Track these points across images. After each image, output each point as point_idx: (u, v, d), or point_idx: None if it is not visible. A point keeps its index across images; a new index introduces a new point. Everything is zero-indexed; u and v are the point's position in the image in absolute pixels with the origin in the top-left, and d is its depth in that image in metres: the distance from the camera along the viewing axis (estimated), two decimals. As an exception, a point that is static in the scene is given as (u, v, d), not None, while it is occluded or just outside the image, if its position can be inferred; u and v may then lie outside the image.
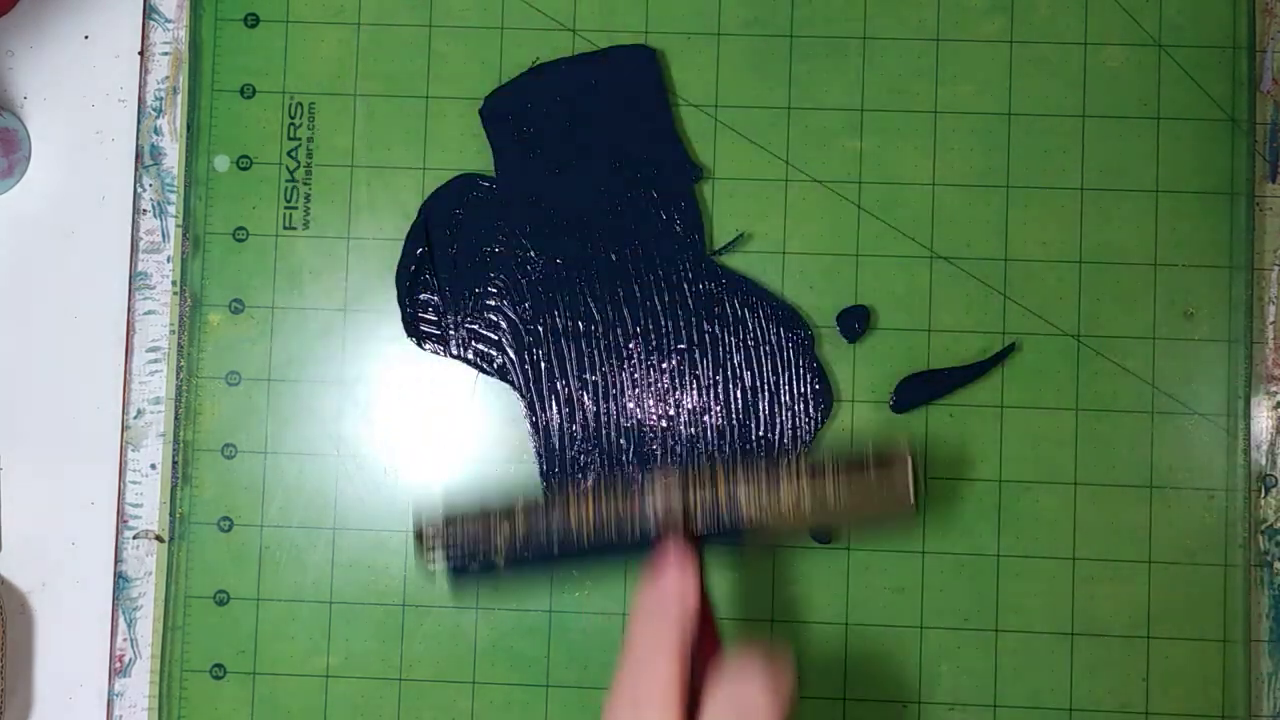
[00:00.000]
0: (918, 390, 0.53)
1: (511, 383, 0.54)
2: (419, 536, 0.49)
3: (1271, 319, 0.53)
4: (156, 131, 0.55)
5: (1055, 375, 0.53)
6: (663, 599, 0.42)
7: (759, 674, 0.40)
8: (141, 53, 0.56)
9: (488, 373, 0.54)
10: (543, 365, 0.54)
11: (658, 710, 0.40)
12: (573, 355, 0.53)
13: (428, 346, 0.54)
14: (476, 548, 0.47)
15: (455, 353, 0.54)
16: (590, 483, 0.49)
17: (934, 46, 0.54)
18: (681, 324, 0.53)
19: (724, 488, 0.47)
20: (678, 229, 0.54)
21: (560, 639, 0.53)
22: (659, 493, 0.47)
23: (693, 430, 0.53)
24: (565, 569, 0.50)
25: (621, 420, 0.53)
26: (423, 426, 0.54)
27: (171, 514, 0.54)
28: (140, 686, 0.54)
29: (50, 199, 0.56)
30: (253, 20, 0.55)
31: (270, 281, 0.55)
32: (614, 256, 0.54)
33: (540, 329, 0.54)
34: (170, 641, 0.54)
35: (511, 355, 0.54)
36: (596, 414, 0.53)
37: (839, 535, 0.52)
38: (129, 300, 0.55)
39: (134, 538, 0.54)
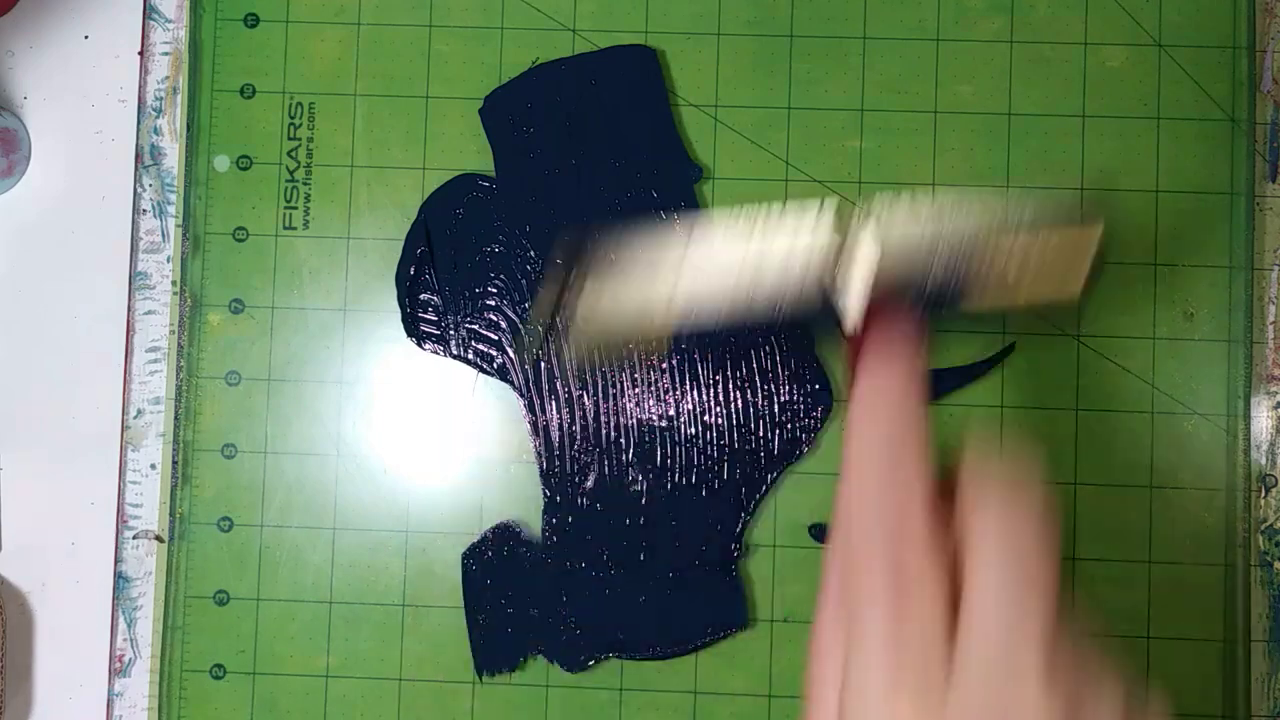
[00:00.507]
0: (918, 390, 0.53)
1: (511, 383, 0.54)
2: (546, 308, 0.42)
3: (1272, 319, 0.53)
4: (156, 131, 0.55)
5: (1055, 375, 0.53)
6: (890, 395, 0.34)
7: (1034, 535, 0.32)
8: (141, 53, 0.56)
9: (488, 373, 0.54)
10: (543, 365, 0.54)
11: (918, 553, 0.32)
12: (573, 355, 0.53)
13: (428, 346, 0.54)
14: (621, 315, 0.38)
15: (455, 353, 0.54)
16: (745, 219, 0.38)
17: (934, 46, 0.54)
18: (681, 324, 0.53)
19: (919, 231, 0.36)
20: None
21: (560, 639, 0.53)
22: (862, 245, 0.36)
23: (693, 430, 0.53)
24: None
25: (621, 420, 0.53)
26: (423, 426, 0.54)
27: (171, 514, 0.54)
28: (140, 686, 0.54)
29: (50, 199, 0.56)
30: (252, 20, 0.55)
31: (270, 281, 0.55)
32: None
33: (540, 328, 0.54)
34: (170, 642, 0.54)
35: (511, 355, 0.54)
36: (596, 414, 0.53)
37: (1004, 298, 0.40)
38: (129, 300, 0.55)
39: (134, 538, 0.54)
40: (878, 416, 0.34)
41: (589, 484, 0.53)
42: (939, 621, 0.32)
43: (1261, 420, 0.53)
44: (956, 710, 0.32)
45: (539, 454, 0.53)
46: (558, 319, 0.39)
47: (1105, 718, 0.32)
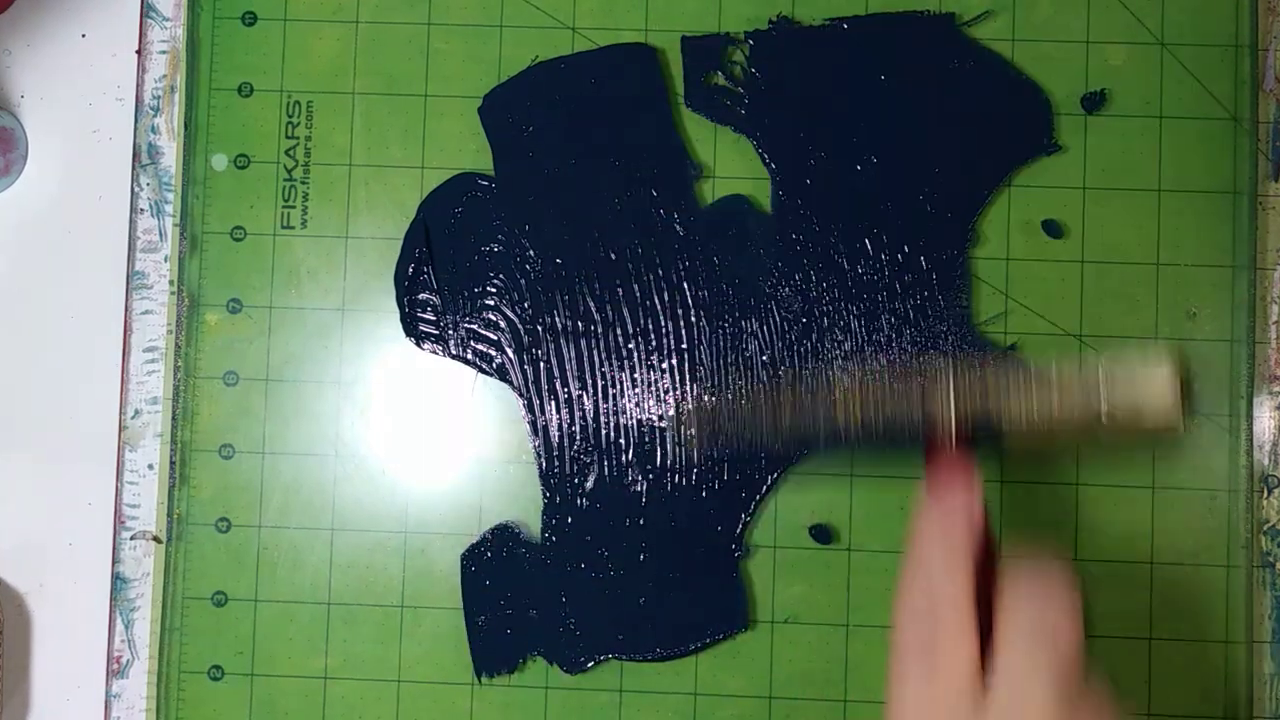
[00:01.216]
0: (919, 390, 0.53)
1: (511, 383, 0.54)
2: (678, 419, 0.50)
3: (1274, 319, 0.53)
4: (154, 130, 0.55)
5: (1057, 375, 0.53)
6: (950, 513, 0.41)
7: (1057, 595, 0.39)
8: (139, 51, 0.55)
9: (487, 373, 0.54)
10: (542, 365, 0.53)
11: (954, 626, 0.39)
12: (572, 355, 0.53)
13: (426, 346, 0.54)
14: (738, 435, 0.47)
15: (454, 352, 0.54)
16: (853, 382, 0.47)
17: (935, 45, 0.54)
18: (682, 324, 0.53)
19: (995, 395, 0.44)
20: (678, 229, 0.53)
21: (560, 640, 0.53)
22: (938, 399, 0.45)
23: (693, 430, 0.53)
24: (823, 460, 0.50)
25: (621, 420, 0.53)
26: (421, 427, 0.54)
27: (169, 515, 0.54)
28: (138, 688, 0.54)
29: (47, 198, 0.55)
30: (250, 18, 0.55)
31: (268, 281, 0.54)
32: (614, 256, 0.54)
33: (540, 329, 0.53)
34: (168, 643, 0.54)
35: (511, 355, 0.54)
36: (596, 414, 0.53)
37: (1105, 447, 0.47)
38: (126, 300, 0.55)
39: (131, 539, 0.54)
40: (938, 527, 0.41)
41: (589, 484, 0.53)
42: (966, 681, 0.39)
43: (1264, 420, 0.52)
44: None
45: (539, 454, 0.53)
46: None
47: None
